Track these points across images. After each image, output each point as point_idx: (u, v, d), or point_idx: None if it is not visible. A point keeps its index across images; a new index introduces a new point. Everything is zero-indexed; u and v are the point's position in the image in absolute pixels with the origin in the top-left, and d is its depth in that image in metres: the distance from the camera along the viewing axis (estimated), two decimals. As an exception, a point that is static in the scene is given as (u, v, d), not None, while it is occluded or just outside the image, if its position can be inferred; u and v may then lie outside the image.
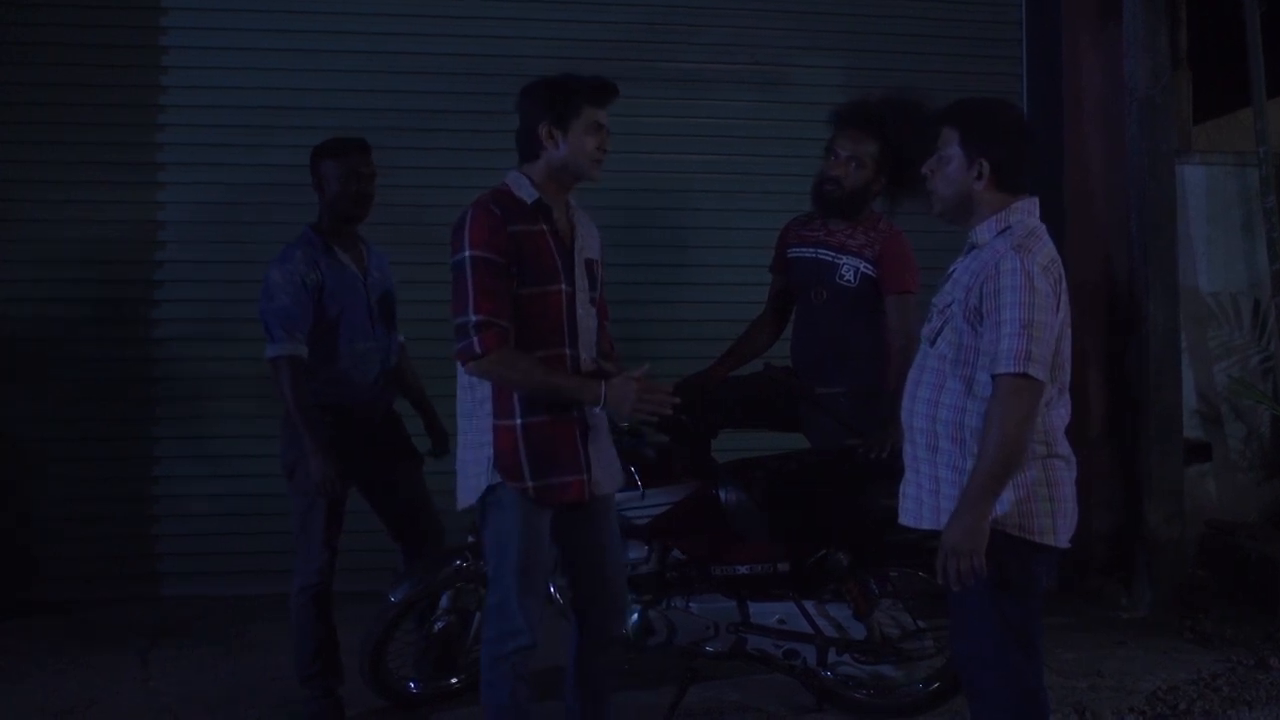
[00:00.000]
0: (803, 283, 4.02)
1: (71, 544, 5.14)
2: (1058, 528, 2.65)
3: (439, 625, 3.70)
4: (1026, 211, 2.72)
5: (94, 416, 5.17)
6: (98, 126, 5.17)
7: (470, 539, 3.75)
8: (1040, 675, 2.72)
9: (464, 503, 3.06)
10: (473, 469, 3.01)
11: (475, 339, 2.87)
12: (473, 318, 2.87)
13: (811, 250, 3.99)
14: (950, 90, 3.26)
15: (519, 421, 2.96)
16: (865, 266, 3.87)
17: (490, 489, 2.98)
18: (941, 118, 2.79)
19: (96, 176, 5.17)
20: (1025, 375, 2.50)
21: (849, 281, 3.89)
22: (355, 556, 4.13)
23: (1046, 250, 2.64)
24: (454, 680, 3.91)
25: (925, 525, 2.73)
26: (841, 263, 3.90)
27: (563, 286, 3.00)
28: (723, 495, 3.64)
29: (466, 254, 2.89)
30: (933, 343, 2.75)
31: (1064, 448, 2.70)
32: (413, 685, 3.89)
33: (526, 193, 3.00)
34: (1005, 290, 2.55)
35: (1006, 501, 2.59)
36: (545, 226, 3.01)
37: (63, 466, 5.14)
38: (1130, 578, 5.31)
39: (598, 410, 3.00)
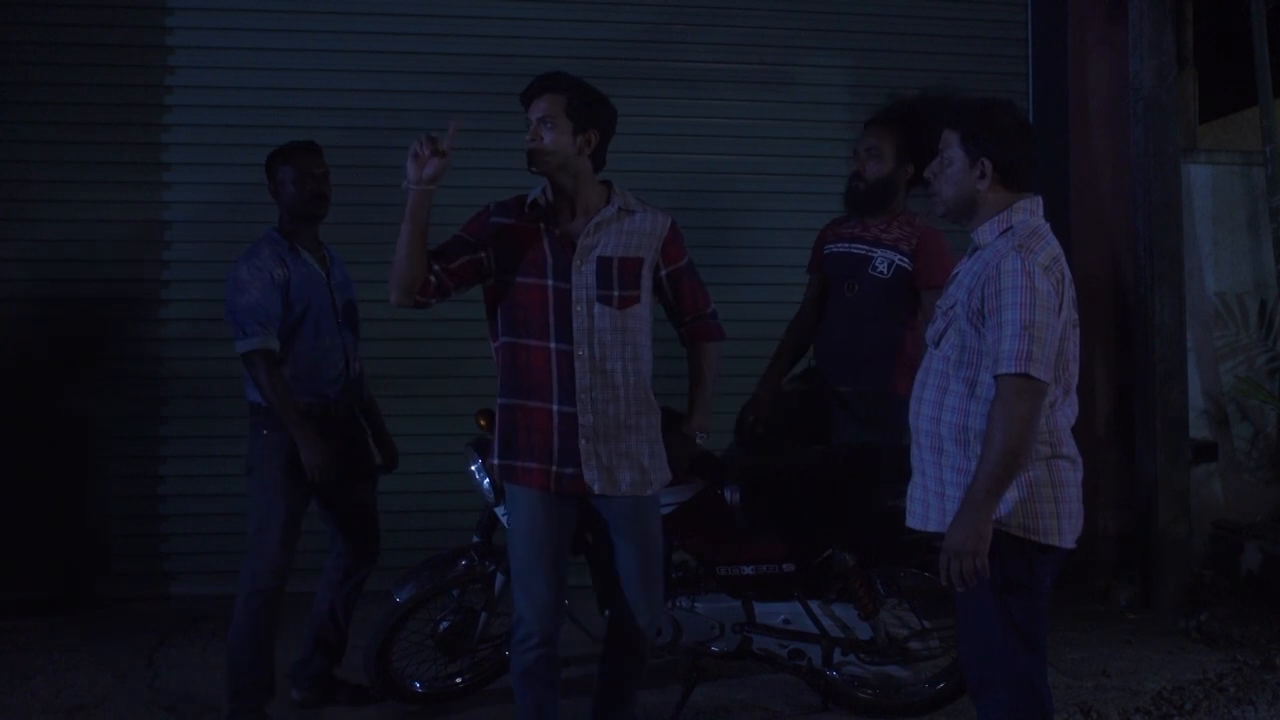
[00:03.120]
0: (836, 277, 4.05)
1: (79, 542, 5.15)
2: (1063, 529, 2.64)
3: (444, 625, 3.70)
4: (1029, 211, 2.71)
5: (101, 415, 5.18)
6: (103, 126, 5.19)
7: (475, 539, 3.76)
8: (1045, 675, 2.71)
9: None
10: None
11: None
12: None
13: (846, 245, 4.02)
14: (957, 90, 3.26)
15: (500, 401, 3.12)
16: (900, 259, 3.89)
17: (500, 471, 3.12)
18: (942, 120, 2.79)
19: (102, 176, 5.18)
20: (1027, 375, 2.49)
21: (881, 273, 3.90)
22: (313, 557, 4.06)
23: (1049, 250, 2.63)
24: (459, 680, 3.92)
25: (932, 528, 2.72)
26: (875, 255, 3.92)
27: (549, 282, 3.02)
28: (728, 495, 3.64)
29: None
30: (937, 345, 2.74)
31: (1070, 448, 2.69)
32: (418, 684, 3.89)
33: (533, 194, 3.11)
34: (1006, 291, 2.54)
35: (1011, 502, 2.58)
36: (543, 225, 3.06)
37: (70, 465, 5.15)
38: (1136, 577, 5.31)
39: (582, 414, 3.02)
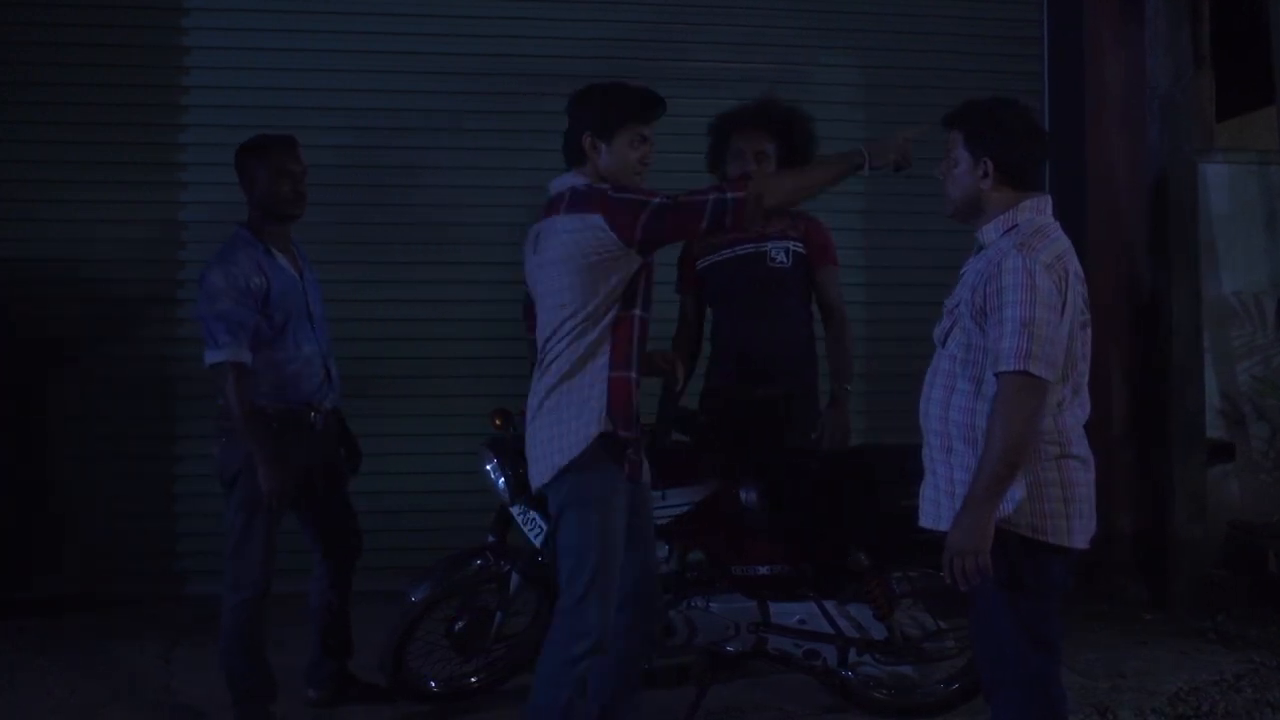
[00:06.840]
0: (725, 285, 4.01)
1: (93, 542, 5.17)
2: (1073, 529, 2.63)
3: (460, 624, 3.70)
4: (1035, 210, 2.71)
5: (116, 415, 5.20)
6: (118, 127, 5.20)
7: (490, 538, 3.76)
8: (1059, 676, 2.70)
9: (541, 479, 3.00)
10: (572, 425, 2.94)
11: (727, 195, 2.91)
12: (713, 195, 2.92)
13: (729, 251, 4.01)
14: (970, 89, 3.24)
15: (628, 375, 2.96)
16: (795, 245, 3.97)
17: (581, 466, 2.92)
18: (947, 120, 2.79)
19: (117, 177, 5.19)
20: (1026, 373, 2.49)
21: (781, 263, 3.96)
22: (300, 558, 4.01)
23: (1052, 248, 2.62)
24: (473, 679, 3.93)
25: (943, 527, 2.71)
26: (768, 248, 3.96)
27: (636, 312, 3.00)
28: (743, 495, 3.63)
29: (655, 200, 2.90)
30: (943, 343, 2.75)
31: (1080, 448, 2.68)
32: (433, 683, 3.90)
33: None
34: (1007, 289, 2.54)
35: (1019, 502, 2.57)
36: None
37: (85, 464, 5.17)
38: (1152, 578, 5.29)
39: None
